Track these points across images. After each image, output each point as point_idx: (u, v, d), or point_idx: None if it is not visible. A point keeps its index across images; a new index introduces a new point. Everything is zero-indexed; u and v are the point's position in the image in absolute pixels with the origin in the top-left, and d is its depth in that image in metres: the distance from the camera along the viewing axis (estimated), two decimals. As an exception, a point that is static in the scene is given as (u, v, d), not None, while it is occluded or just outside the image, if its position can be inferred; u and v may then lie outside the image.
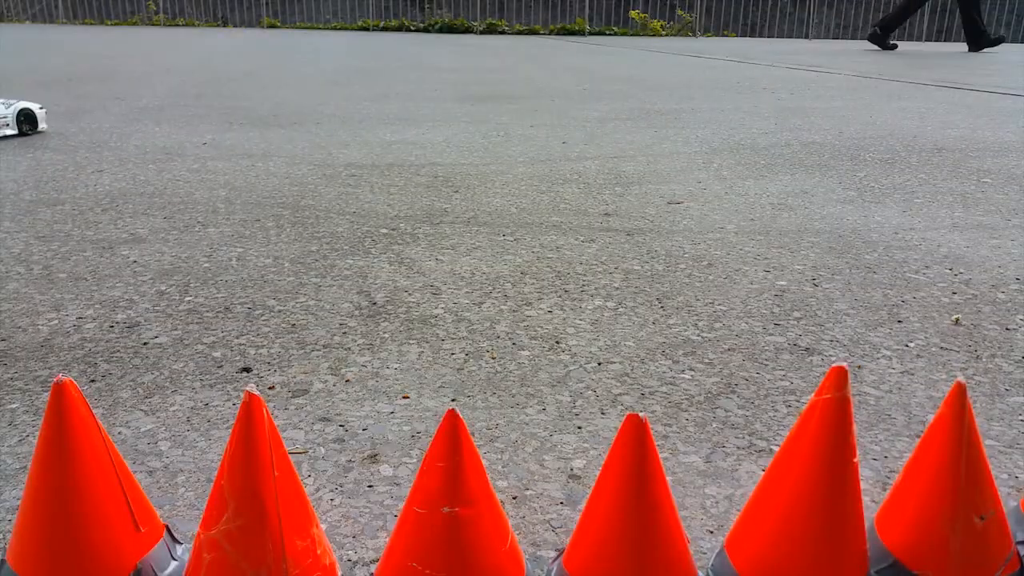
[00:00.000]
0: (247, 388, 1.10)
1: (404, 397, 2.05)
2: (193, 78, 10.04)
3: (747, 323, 2.56)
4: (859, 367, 2.26)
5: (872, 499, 1.63)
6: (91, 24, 24.38)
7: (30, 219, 3.61)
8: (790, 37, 26.38)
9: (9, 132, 5.91)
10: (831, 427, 1.13)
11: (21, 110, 5.93)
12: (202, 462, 1.75)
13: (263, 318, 2.55)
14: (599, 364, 2.26)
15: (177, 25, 24.83)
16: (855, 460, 1.15)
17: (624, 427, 1.11)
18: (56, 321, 2.50)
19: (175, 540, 1.27)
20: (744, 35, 26.56)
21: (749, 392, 2.10)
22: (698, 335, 2.46)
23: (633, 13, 25.35)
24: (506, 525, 1.18)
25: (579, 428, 1.91)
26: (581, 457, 1.79)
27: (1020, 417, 1.99)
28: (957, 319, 2.60)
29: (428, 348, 2.34)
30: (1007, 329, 2.54)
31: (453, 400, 2.05)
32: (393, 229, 3.55)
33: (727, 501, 1.64)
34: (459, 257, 3.18)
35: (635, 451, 1.11)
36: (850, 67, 13.83)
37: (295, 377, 2.16)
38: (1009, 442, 1.87)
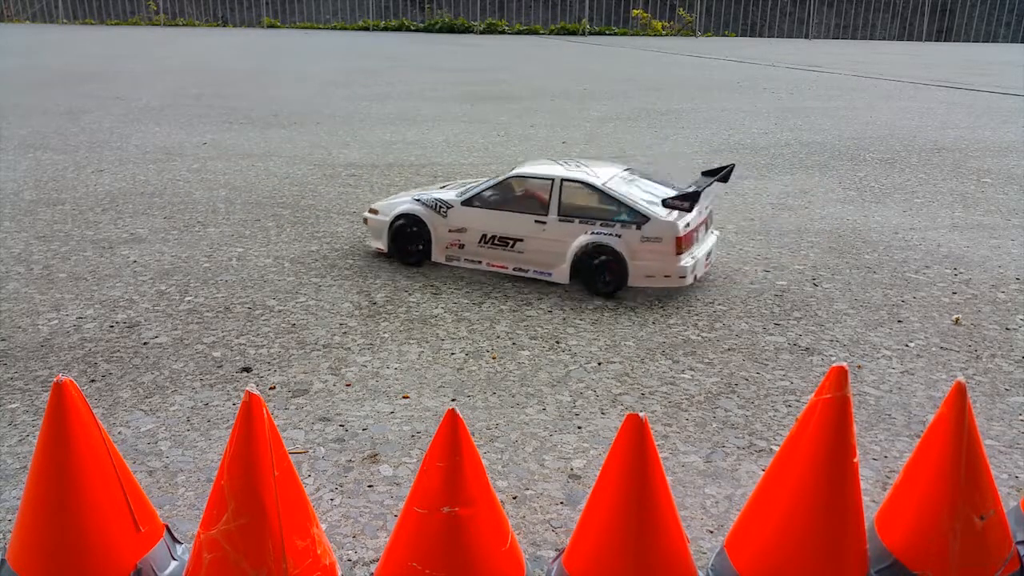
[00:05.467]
0: (247, 388, 1.10)
1: (404, 397, 2.05)
2: (193, 78, 10.04)
3: (747, 323, 2.56)
4: (859, 367, 2.25)
5: (872, 499, 1.63)
6: (91, 24, 24.35)
7: (30, 219, 3.61)
8: (790, 37, 26.37)
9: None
10: (831, 427, 1.13)
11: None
12: (202, 462, 1.75)
13: (263, 318, 2.55)
14: (599, 364, 2.26)
15: (177, 25, 24.80)
16: (855, 460, 1.15)
17: (624, 427, 1.11)
18: (56, 321, 2.50)
19: (175, 540, 1.27)
20: (744, 35, 26.55)
21: (749, 392, 2.10)
22: (698, 335, 2.46)
23: (635, 12, 25.33)
24: (506, 525, 1.18)
25: (579, 428, 1.91)
26: (581, 457, 1.79)
27: (1020, 417, 1.99)
28: (957, 319, 2.60)
29: (428, 348, 2.34)
30: (1007, 329, 2.54)
31: (453, 400, 2.05)
32: (393, 229, 3.55)
33: (727, 501, 1.64)
34: (459, 257, 3.18)
35: (635, 451, 1.11)
36: (850, 67, 13.84)
37: (295, 377, 2.16)
38: (1009, 442, 1.87)
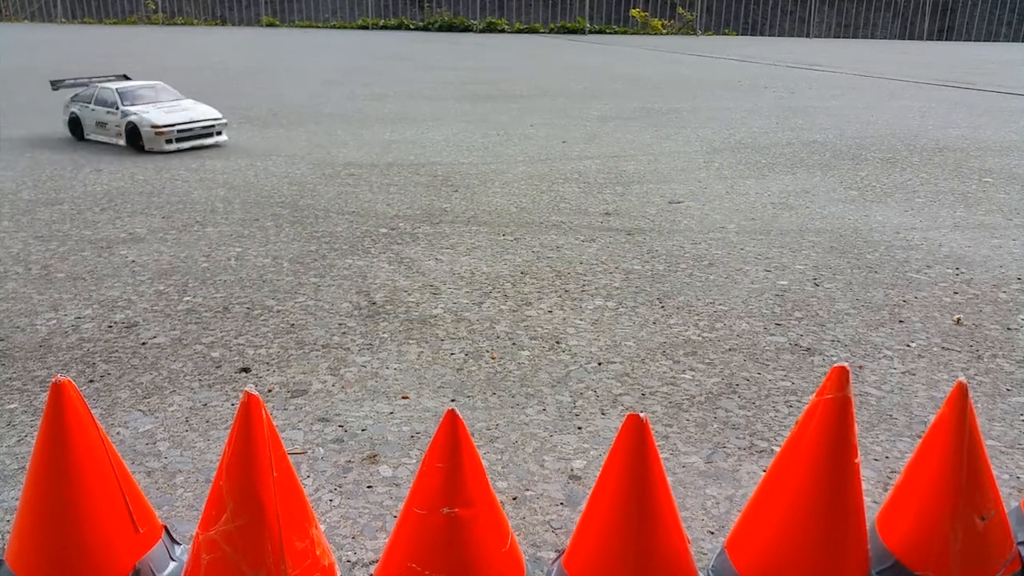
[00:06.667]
0: (246, 388, 1.09)
1: (404, 397, 2.05)
2: (193, 77, 10.04)
3: (748, 323, 2.56)
4: (860, 367, 2.25)
5: (873, 499, 1.62)
6: (90, 23, 24.36)
7: (28, 219, 3.60)
8: (791, 36, 26.38)
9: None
10: (832, 427, 1.13)
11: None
12: (201, 462, 1.74)
13: (262, 318, 2.54)
14: (599, 364, 2.25)
15: (176, 24, 24.83)
16: (856, 460, 1.15)
17: (624, 427, 1.11)
18: (54, 321, 2.49)
19: (174, 541, 1.27)
20: (744, 34, 26.56)
21: (750, 392, 2.10)
22: (699, 335, 2.46)
23: (634, 12, 25.35)
24: (506, 526, 1.18)
25: (579, 428, 1.91)
26: (581, 457, 1.79)
27: (1022, 417, 1.98)
28: (958, 319, 2.59)
29: (428, 348, 2.34)
30: (1008, 329, 2.53)
31: (453, 400, 2.04)
32: (392, 228, 3.55)
33: (728, 502, 1.63)
34: (459, 257, 3.17)
35: (635, 452, 1.10)
36: (851, 66, 13.83)
37: (294, 377, 2.15)
38: (1010, 442, 1.87)
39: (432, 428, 1.88)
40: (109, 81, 5.70)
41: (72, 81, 5.77)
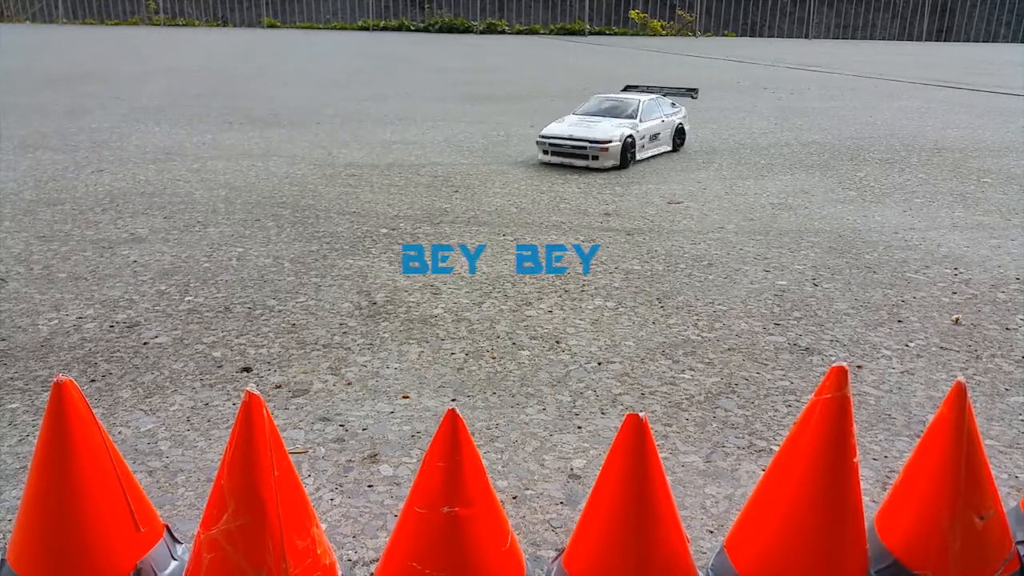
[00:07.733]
0: (247, 388, 1.10)
1: (404, 397, 2.05)
2: (193, 78, 10.04)
3: (747, 323, 2.56)
4: (859, 367, 2.25)
5: (872, 499, 1.63)
6: (91, 24, 24.39)
7: (30, 219, 3.61)
8: (790, 37, 26.40)
9: (664, 149, 5.50)
10: (831, 427, 1.13)
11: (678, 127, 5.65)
12: (202, 462, 1.75)
13: (263, 318, 2.55)
14: (599, 364, 2.26)
15: (177, 25, 24.85)
16: (855, 460, 1.15)
17: (624, 427, 1.11)
18: (56, 321, 2.50)
19: (175, 540, 1.27)
20: (744, 35, 26.58)
21: (749, 392, 2.10)
22: (698, 335, 2.46)
23: (633, 13, 25.37)
24: (506, 525, 1.18)
25: (579, 428, 1.91)
26: (581, 457, 1.79)
27: (1020, 417, 1.99)
28: (957, 319, 2.60)
29: (428, 348, 2.34)
30: (1007, 329, 2.54)
31: (453, 400, 2.05)
32: (393, 229, 3.56)
33: (727, 501, 1.64)
34: (459, 257, 3.18)
35: (635, 451, 1.11)
36: (850, 67, 13.84)
37: (295, 377, 2.16)
38: (1009, 442, 1.87)
39: (432, 427, 1.89)
40: (651, 92, 5.97)
41: (639, 88, 6.33)
